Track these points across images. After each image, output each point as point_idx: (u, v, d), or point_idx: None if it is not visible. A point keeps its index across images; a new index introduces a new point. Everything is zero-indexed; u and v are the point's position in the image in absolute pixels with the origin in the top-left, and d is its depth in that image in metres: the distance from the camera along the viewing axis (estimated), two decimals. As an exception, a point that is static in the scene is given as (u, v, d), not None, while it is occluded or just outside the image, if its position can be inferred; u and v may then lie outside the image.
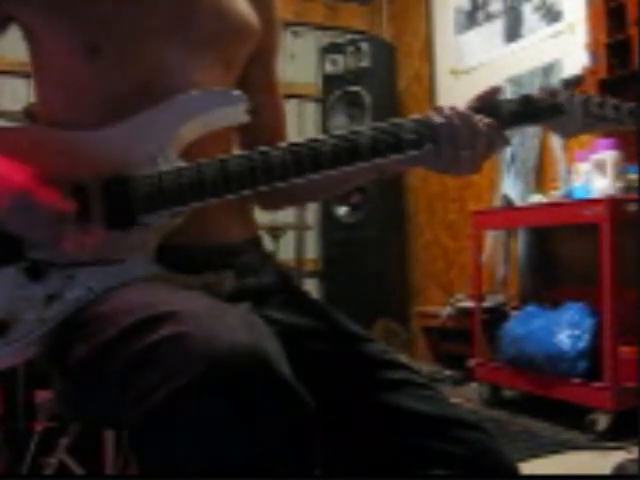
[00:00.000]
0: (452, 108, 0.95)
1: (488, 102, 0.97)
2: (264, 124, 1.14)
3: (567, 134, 1.01)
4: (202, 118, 0.93)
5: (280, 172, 0.90)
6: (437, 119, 0.94)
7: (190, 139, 0.94)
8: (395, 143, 0.93)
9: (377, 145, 0.92)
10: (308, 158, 0.90)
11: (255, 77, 1.12)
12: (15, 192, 0.85)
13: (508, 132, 0.98)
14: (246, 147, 1.00)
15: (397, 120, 0.95)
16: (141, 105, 0.92)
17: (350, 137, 0.92)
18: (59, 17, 0.94)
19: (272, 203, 1.19)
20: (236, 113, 0.95)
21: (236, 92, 0.95)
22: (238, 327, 0.70)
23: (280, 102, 1.18)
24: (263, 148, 0.91)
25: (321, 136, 0.93)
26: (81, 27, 0.94)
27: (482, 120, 0.94)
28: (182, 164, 0.90)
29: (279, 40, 1.16)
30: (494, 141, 0.95)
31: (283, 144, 0.91)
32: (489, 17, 3.78)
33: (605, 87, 2.70)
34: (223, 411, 0.64)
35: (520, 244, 3.38)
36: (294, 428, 0.67)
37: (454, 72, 4.00)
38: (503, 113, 0.96)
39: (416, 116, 0.95)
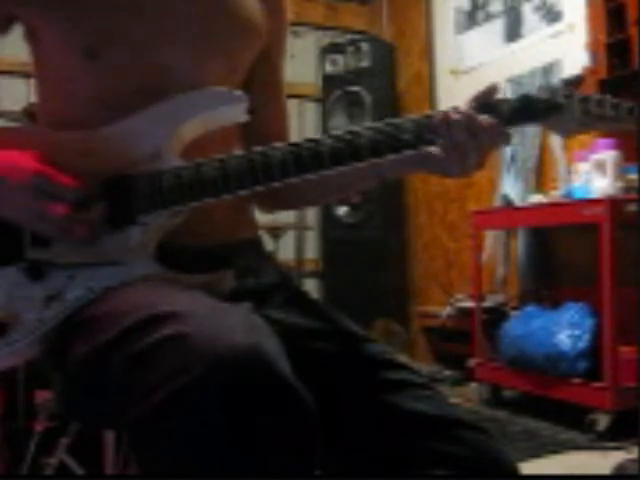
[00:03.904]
0: (455, 109, 0.94)
1: (486, 101, 0.96)
2: (268, 122, 1.14)
3: (566, 133, 1.01)
4: (202, 117, 0.93)
5: (280, 171, 0.90)
6: (438, 119, 0.94)
7: (190, 138, 0.93)
8: (396, 141, 0.93)
9: (378, 143, 0.92)
10: (308, 157, 0.90)
11: (261, 76, 1.12)
12: (32, 173, 0.85)
13: (508, 131, 0.98)
14: (249, 146, 1.01)
15: (399, 119, 0.95)
16: (142, 106, 0.92)
17: (350, 135, 0.92)
18: (58, 19, 0.94)
19: (273, 205, 1.19)
20: (236, 112, 0.95)
21: (236, 91, 0.95)
22: (239, 327, 0.70)
23: (284, 101, 1.18)
24: (263, 147, 0.91)
25: (321, 135, 0.93)
26: (80, 30, 0.94)
27: (482, 118, 0.94)
28: (182, 163, 0.90)
29: (286, 41, 1.16)
30: (495, 139, 0.95)
31: (283, 143, 0.91)
32: (489, 17, 3.78)
33: (605, 87, 2.70)
34: (224, 411, 0.64)
35: (520, 244, 3.38)
36: (295, 428, 0.67)
37: (454, 72, 4.00)
38: (502, 112, 0.96)
39: (418, 115, 0.95)
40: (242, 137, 1.13)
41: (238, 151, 0.92)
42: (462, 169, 0.95)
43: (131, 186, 0.89)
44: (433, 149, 0.95)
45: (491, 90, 0.97)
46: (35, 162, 0.87)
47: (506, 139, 0.96)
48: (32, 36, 0.99)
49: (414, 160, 0.98)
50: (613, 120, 0.98)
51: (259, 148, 0.91)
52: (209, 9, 1.00)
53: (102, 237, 0.88)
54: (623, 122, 0.98)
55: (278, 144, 0.91)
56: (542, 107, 0.98)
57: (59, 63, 0.97)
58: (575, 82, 3.08)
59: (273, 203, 1.18)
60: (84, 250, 0.88)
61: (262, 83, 1.13)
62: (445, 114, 0.92)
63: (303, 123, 4.43)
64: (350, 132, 0.92)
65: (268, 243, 3.20)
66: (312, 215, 4.26)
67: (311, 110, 4.54)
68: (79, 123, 0.94)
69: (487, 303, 3.30)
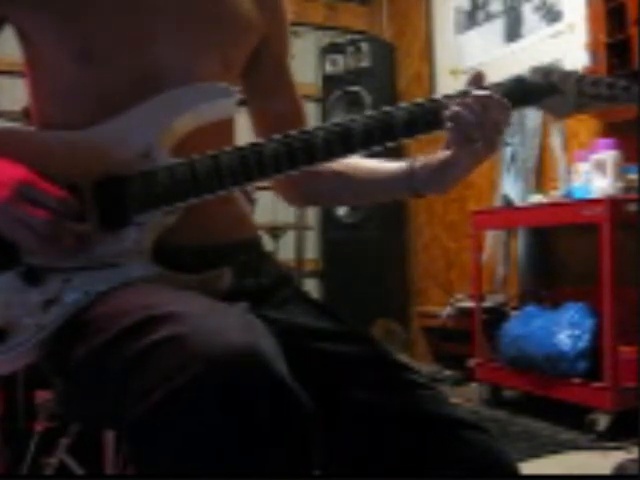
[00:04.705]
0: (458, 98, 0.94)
1: (478, 85, 0.96)
2: (281, 119, 1.14)
3: (561, 114, 1.00)
4: (192, 113, 0.92)
5: (273, 165, 0.90)
6: (448, 115, 0.93)
7: (181, 134, 0.93)
8: (388, 128, 0.93)
9: (370, 131, 0.92)
10: (301, 149, 0.90)
11: (266, 72, 1.12)
12: (16, 183, 0.84)
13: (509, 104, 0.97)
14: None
15: (391, 106, 0.94)
16: (135, 105, 0.92)
17: (343, 125, 0.92)
18: (51, 22, 0.93)
19: (296, 199, 1.20)
20: (226, 107, 0.95)
21: (225, 85, 0.94)
22: (236, 327, 0.70)
23: (296, 96, 1.17)
24: (255, 141, 0.91)
25: (314, 127, 0.93)
26: (74, 32, 0.93)
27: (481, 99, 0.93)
28: (174, 161, 0.90)
29: (287, 35, 1.15)
30: (498, 117, 0.93)
31: (276, 136, 0.91)
32: (489, 17, 3.78)
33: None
34: (220, 411, 0.64)
35: (520, 244, 3.38)
36: (291, 428, 0.67)
37: (454, 72, 4.00)
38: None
39: (408, 104, 0.95)
40: (256, 131, 1.13)
41: (232, 146, 0.92)
42: (476, 158, 0.94)
43: (124, 186, 0.88)
44: (445, 153, 0.95)
45: (477, 78, 0.97)
46: (22, 170, 0.85)
47: (509, 116, 0.94)
48: (24, 38, 0.98)
49: (442, 169, 0.97)
50: (609, 99, 0.97)
51: (252, 142, 0.91)
52: (202, 7, 1.00)
53: (97, 239, 0.88)
54: (619, 101, 0.97)
55: (271, 137, 0.91)
56: (537, 90, 0.97)
57: (53, 64, 0.96)
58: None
59: (299, 196, 1.18)
60: (80, 253, 0.87)
61: (268, 81, 1.13)
62: (453, 112, 0.92)
63: (303, 123, 4.43)
64: (342, 122, 0.92)
65: (268, 243, 3.20)
66: (312, 215, 4.26)
67: (311, 110, 4.54)
68: (74, 123, 0.93)
69: (487, 303, 3.29)
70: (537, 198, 3.09)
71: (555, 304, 2.95)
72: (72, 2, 0.93)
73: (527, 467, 2.18)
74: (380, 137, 0.93)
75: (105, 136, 0.91)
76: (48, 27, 0.94)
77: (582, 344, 2.65)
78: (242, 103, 0.95)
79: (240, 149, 0.90)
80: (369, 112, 0.94)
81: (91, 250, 0.87)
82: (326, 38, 4.59)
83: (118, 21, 0.94)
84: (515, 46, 3.59)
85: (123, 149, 0.90)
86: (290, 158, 0.90)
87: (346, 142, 0.92)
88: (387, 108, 0.94)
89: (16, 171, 0.86)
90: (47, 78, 0.98)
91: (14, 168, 0.86)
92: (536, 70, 0.98)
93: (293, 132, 0.92)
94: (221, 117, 0.96)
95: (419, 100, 0.95)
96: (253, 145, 0.90)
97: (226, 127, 1.03)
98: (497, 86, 0.96)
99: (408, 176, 1.01)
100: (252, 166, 0.89)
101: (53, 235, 0.84)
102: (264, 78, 1.12)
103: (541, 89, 0.97)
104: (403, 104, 0.95)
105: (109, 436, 1.61)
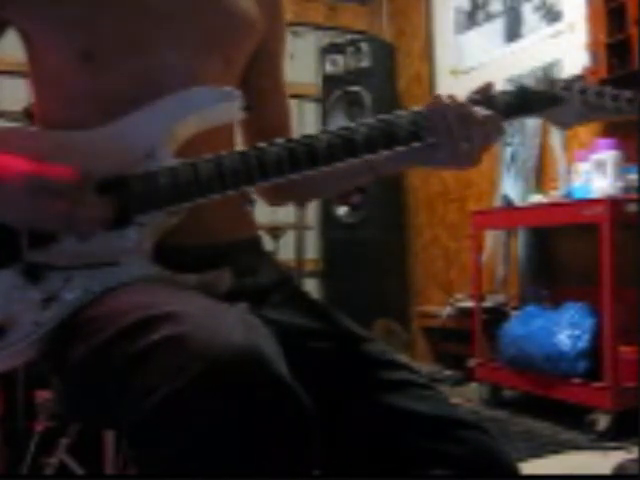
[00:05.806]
0: (450, 97, 0.94)
1: (485, 95, 0.96)
2: (270, 119, 1.14)
3: (565, 124, 1.00)
4: (196, 116, 0.93)
5: (275, 168, 0.90)
6: (430, 103, 0.94)
7: (185, 137, 0.93)
8: (391, 135, 0.93)
9: (373, 138, 0.92)
10: (303, 154, 0.91)
11: (260, 74, 1.12)
12: (24, 174, 0.84)
13: (506, 123, 0.97)
14: (251, 142, 1.01)
15: (394, 113, 0.95)
16: (139, 105, 0.92)
17: (346, 131, 0.92)
18: (54, 23, 0.93)
19: (273, 198, 1.20)
20: (231, 110, 0.95)
21: (230, 89, 0.94)
22: (236, 327, 0.70)
23: (285, 97, 1.18)
24: (259, 145, 0.91)
25: (316, 132, 0.93)
26: (75, 32, 0.93)
27: (477, 110, 0.94)
28: (177, 163, 0.90)
29: (284, 36, 1.16)
30: (490, 131, 0.94)
31: (279, 140, 0.91)
32: (489, 17, 3.78)
33: (605, 87, 2.69)
34: (221, 411, 0.64)
35: (520, 244, 3.38)
36: (292, 428, 0.67)
37: (454, 72, 4.00)
38: (500, 105, 0.96)
39: (414, 109, 0.95)
40: (244, 133, 1.13)
41: (233, 149, 0.92)
42: (454, 160, 0.95)
43: (127, 186, 0.88)
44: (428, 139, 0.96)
45: (488, 87, 0.97)
46: (27, 163, 0.86)
47: (499, 131, 0.95)
48: (26, 39, 0.99)
49: (406, 154, 0.98)
50: (613, 111, 0.97)
51: (255, 145, 0.91)
52: (203, 6, 1.00)
53: (99, 238, 0.88)
54: (623, 113, 0.97)
55: (274, 140, 0.91)
56: (541, 100, 0.97)
57: (55, 65, 0.96)
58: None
59: (274, 196, 1.19)
60: (81, 252, 0.88)
61: (261, 81, 1.13)
62: (438, 97, 0.93)
63: (303, 123, 4.43)
64: (345, 128, 0.92)
65: (268, 243, 3.20)
66: (312, 215, 4.26)
67: (311, 110, 4.54)
68: (76, 124, 0.93)
69: (487, 303, 3.30)
70: (537, 198, 3.09)
71: (555, 304, 2.95)
72: (74, 5, 0.94)
73: (527, 467, 2.18)
74: (383, 144, 0.93)
75: (109, 137, 0.91)
76: (50, 29, 0.94)
77: (582, 344, 2.65)
78: (247, 108, 0.95)
79: (243, 151, 0.90)
80: (372, 118, 0.94)
81: (93, 248, 0.88)
82: (326, 38, 4.60)
83: (120, 22, 0.95)
84: (515, 46, 3.59)
85: (127, 150, 0.91)
86: (292, 162, 0.90)
87: (349, 147, 0.92)
88: (389, 115, 0.94)
89: (21, 164, 0.86)
90: (50, 79, 0.98)
91: (17, 160, 0.86)
92: (540, 80, 0.98)
93: (297, 137, 0.92)
94: (225, 121, 0.97)
95: (418, 108, 0.95)
96: (256, 148, 0.90)
97: (226, 129, 1.03)
98: (501, 95, 0.96)
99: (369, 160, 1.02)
100: (254, 168, 0.89)
101: (75, 216, 0.85)
102: (258, 79, 1.12)
103: (545, 100, 0.97)
104: (403, 112, 0.95)
105: (109, 436, 1.61)
